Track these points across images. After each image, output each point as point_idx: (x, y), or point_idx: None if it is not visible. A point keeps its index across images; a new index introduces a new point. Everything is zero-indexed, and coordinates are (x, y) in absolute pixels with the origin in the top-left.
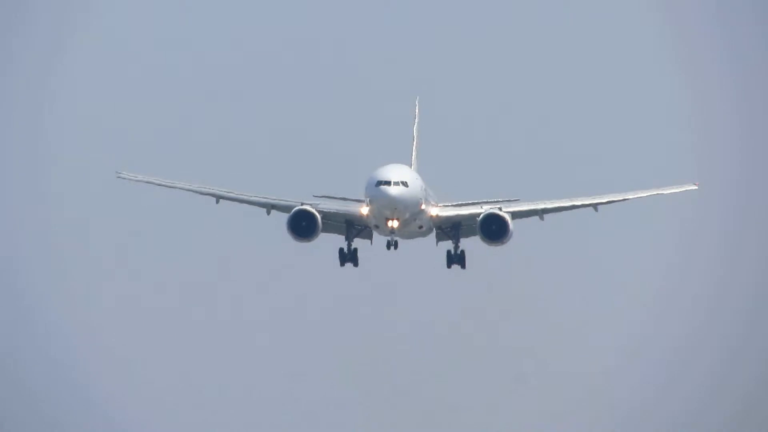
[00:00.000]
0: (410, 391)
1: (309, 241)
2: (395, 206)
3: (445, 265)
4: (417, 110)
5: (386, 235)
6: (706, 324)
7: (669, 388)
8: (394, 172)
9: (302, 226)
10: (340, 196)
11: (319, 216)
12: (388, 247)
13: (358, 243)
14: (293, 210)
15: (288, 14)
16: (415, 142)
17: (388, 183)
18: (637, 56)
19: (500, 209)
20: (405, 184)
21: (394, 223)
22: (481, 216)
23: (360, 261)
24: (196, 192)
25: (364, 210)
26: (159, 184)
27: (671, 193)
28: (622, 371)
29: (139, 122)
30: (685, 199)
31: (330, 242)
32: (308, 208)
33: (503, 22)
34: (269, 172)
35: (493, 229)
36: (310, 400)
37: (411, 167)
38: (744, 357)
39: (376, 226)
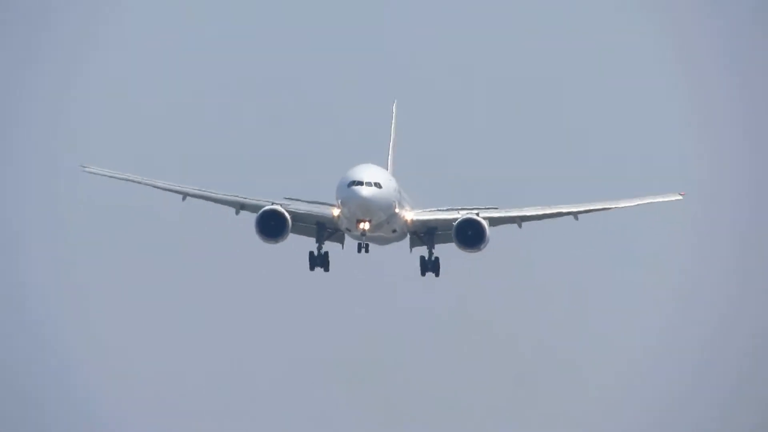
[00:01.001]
0: (379, 403)
1: (277, 242)
2: (367, 208)
3: (419, 273)
4: (394, 114)
5: (358, 239)
6: (687, 341)
7: (653, 400)
8: (366, 172)
9: (271, 226)
10: (313, 200)
11: (288, 216)
12: (359, 250)
13: (329, 247)
14: (262, 210)
15: (265, 13)
16: (392, 147)
17: (360, 183)
18: (623, 59)
19: (477, 215)
20: (378, 185)
21: (365, 226)
22: (458, 221)
23: (331, 265)
24: (163, 188)
25: (336, 212)
26: (124, 179)
27: (656, 203)
28: (600, 380)
29: (109, 117)
30: (670, 209)
31: (301, 245)
32: (278, 208)
33: (488, 23)
34: (242, 172)
35: (469, 234)
36: (267, 407)
37: (387, 170)
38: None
39: (348, 229)
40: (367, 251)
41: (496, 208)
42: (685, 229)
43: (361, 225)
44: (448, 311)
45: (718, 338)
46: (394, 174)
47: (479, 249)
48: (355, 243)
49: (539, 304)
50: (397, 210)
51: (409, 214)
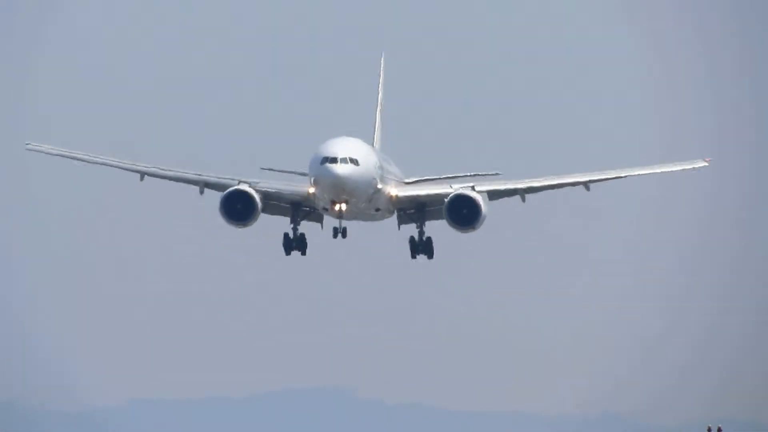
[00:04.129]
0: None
1: (246, 225)
2: (342, 187)
3: (409, 255)
4: (382, 69)
5: (336, 219)
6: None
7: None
8: (341, 146)
9: (237, 208)
10: (291, 170)
11: (257, 197)
12: (335, 235)
13: (306, 228)
14: (227, 190)
15: None
16: (379, 107)
17: (334, 160)
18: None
19: (473, 188)
20: (354, 161)
21: (342, 206)
22: (449, 197)
23: (309, 248)
24: (118, 167)
25: (312, 189)
26: (73, 158)
27: (678, 170)
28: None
29: (60, 91)
30: (692, 179)
31: (276, 226)
32: (244, 187)
33: None
34: (212, 145)
35: (464, 213)
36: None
37: (374, 135)
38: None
39: (325, 209)
40: (344, 236)
41: (498, 174)
42: (700, 201)
43: (337, 206)
44: (444, 302)
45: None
46: (382, 139)
47: (474, 228)
48: (336, 222)
49: (544, 289)
50: (379, 187)
51: (394, 190)
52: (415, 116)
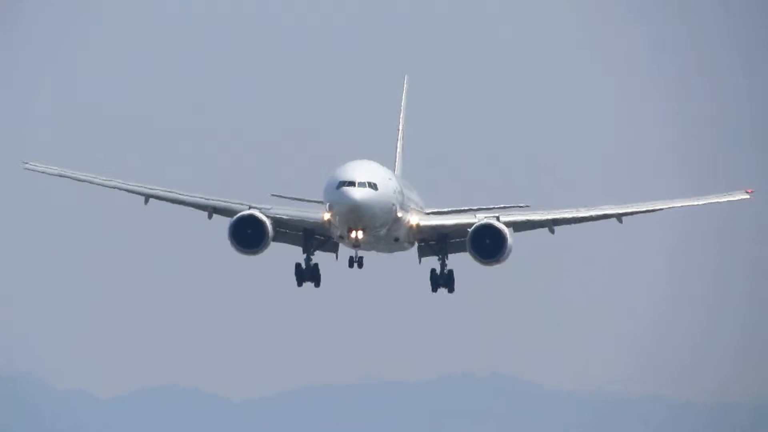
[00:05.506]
0: None
1: (256, 253)
2: (360, 213)
3: (430, 288)
4: (405, 91)
5: (352, 248)
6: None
7: None
8: (359, 170)
9: (247, 234)
10: (304, 198)
11: (268, 223)
12: (351, 265)
13: (320, 258)
14: (237, 215)
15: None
16: (401, 133)
17: (351, 184)
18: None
19: (497, 218)
20: (373, 185)
21: (358, 234)
22: (473, 227)
23: (323, 280)
24: (121, 189)
25: (326, 216)
26: (73, 178)
27: (721, 202)
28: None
29: (64, 111)
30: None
31: (288, 255)
32: (255, 213)
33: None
34: (223, 171)
35: (487, 243)
36: None
37: (395, 163)
38: None
39: (341, 237)
40: (360, 266)
41: (528, 206)
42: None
43: (354, 234)
44: (466, 333)
45: None
46: (404, 166)
47: (499, 261)
48: (352, 252)
49: (571, 327)
50: (399, 215)
51: (415, 218)
52: (439, 145)
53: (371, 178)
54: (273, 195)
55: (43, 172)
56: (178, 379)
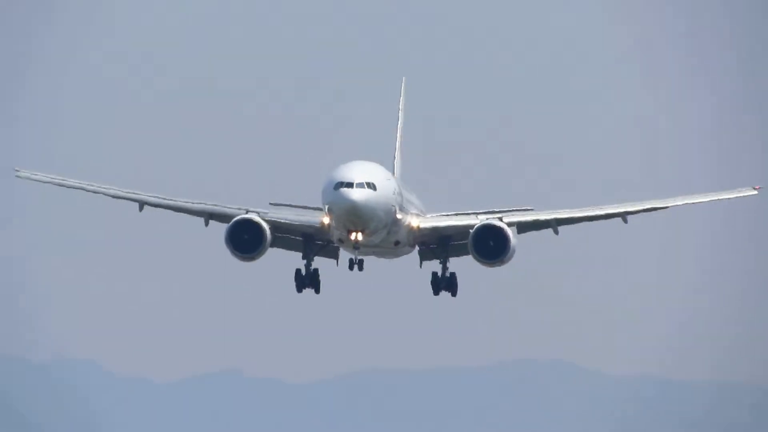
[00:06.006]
0: None
1: (253, 258)
2: (359, 214)
3: (431, 292)
4: (402, 94)
5: (352, 252)
6: None
7: None
8: (357, 170)
9: (244, 239)
10: (304, 206)
11: (266, 227)
12: (351, 267)
13: (320, 263)
14: (233, 219)
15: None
16: (399, 137)
17: (349, 185)
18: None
19: (500, 219)
20: (371, 185)
21: (358, 236)
22: (475, 228)
23: (323, 286)
24: (115, 196)
25: (325, 220)
26: (65, 185)
27: (728, 199)
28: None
29: (57, 117)
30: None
31: (287, 261)
32: (253, 216)
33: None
34: (220, 177)
35: (490, 245)
36: None
37: (394, 166)
38: None
39: (340, 240)
40: (360, 269)
41: (531, 209)
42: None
43: (353, 236)
44: (469, 339)
45: None
46: (403, 169)
47: (503, 262)
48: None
49: (577, 330)
50: (399, 216)
51: (416, 221)
52: (439, 149)
53: (370, 179)
54: (271, 204)
55: (36, 180)
56: (178, 380)
